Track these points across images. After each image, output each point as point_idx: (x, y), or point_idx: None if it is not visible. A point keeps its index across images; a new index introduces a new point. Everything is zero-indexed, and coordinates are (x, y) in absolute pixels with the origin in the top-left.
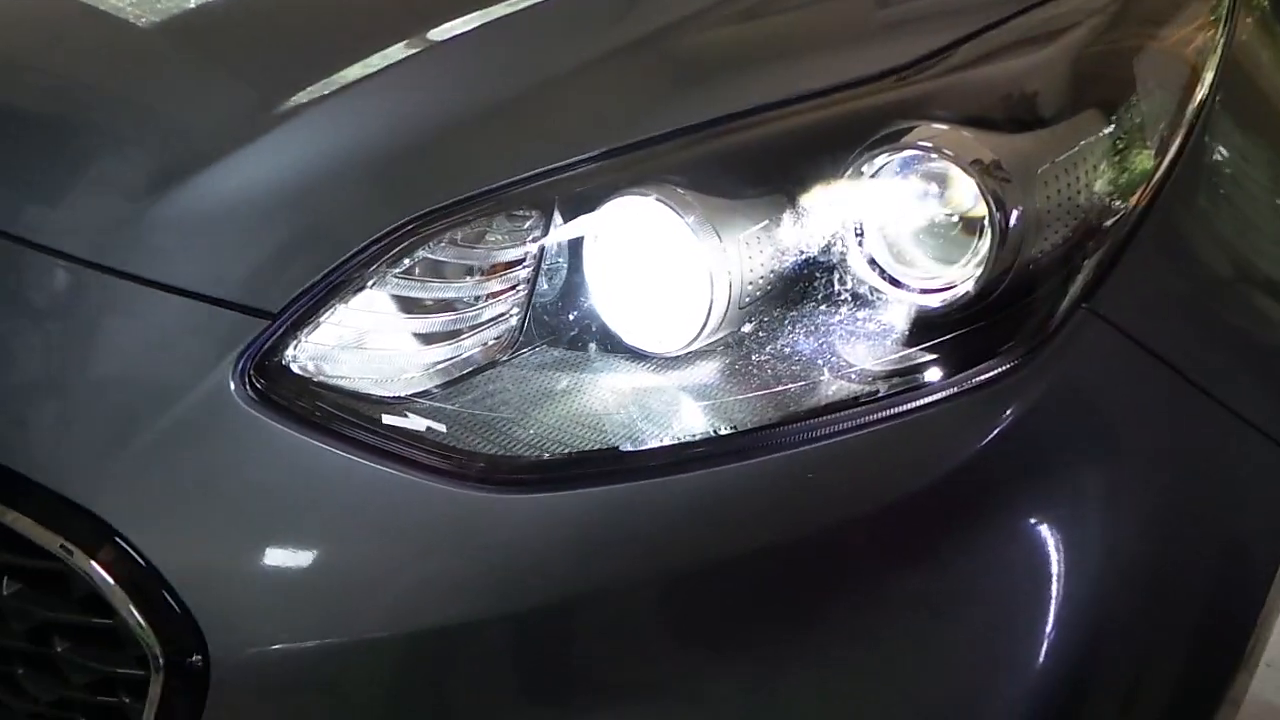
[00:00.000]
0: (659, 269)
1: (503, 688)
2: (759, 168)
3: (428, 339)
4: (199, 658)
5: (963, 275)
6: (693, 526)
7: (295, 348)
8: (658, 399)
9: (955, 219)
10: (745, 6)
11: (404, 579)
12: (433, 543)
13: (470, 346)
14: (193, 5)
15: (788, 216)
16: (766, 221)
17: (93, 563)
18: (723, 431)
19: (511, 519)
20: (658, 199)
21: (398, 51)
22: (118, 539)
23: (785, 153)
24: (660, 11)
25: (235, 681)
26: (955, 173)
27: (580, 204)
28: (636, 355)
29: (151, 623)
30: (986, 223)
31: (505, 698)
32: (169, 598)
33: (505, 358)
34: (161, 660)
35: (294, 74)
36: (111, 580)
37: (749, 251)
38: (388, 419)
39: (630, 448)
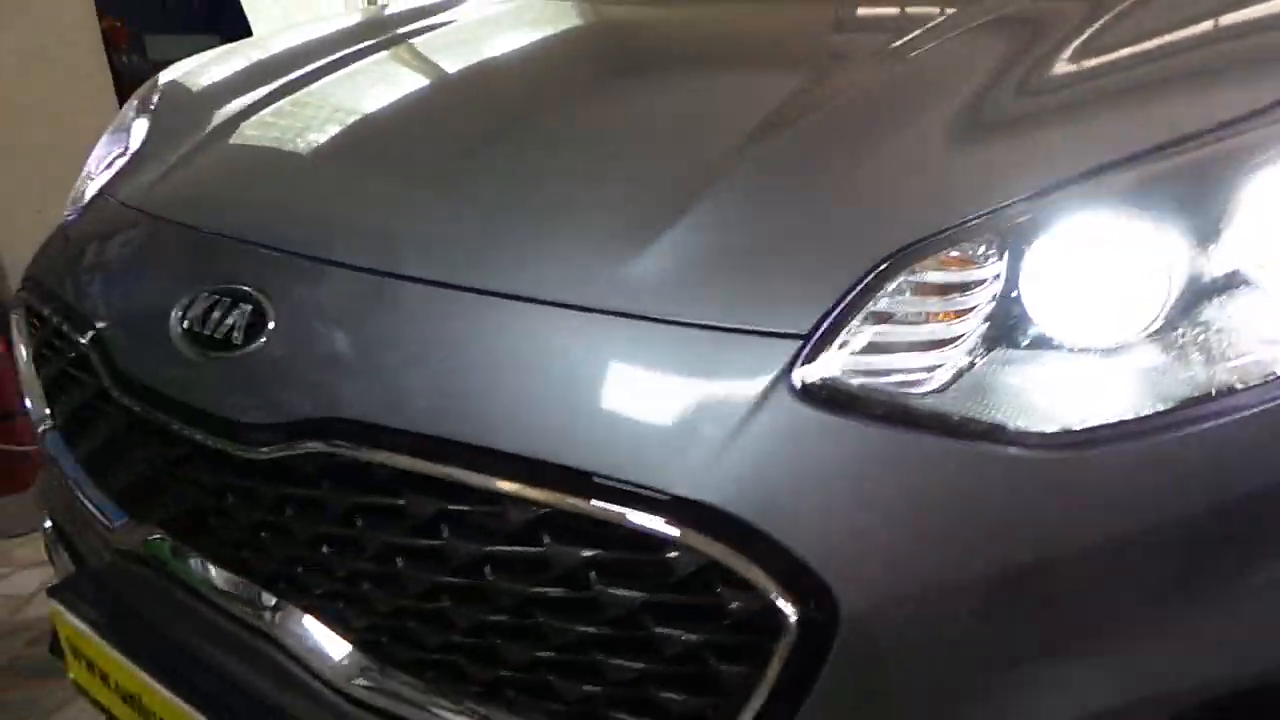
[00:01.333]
0: (1106, 273)
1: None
2: (1191, 186)
3: (924, 345)
4: (827, 617)
5: None
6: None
7: (828, 357)
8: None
9: None
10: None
11: (972, 530)
12: (993, 497)
13: (957, 348)
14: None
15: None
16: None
17: (717, 544)
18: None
19: (1047, 476)
20: (1113, 215)
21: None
22: (739, 522)
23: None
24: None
25: (855, 637)
26: None
27: (1034, 226)
28: (1081, 349)
29: (785, 588)
30: None
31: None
32: (800, 565)
33: (980, 360)
34: (795, 619)
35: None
36: (741, 555)
37: (1192, 255)
38: (920, 405)
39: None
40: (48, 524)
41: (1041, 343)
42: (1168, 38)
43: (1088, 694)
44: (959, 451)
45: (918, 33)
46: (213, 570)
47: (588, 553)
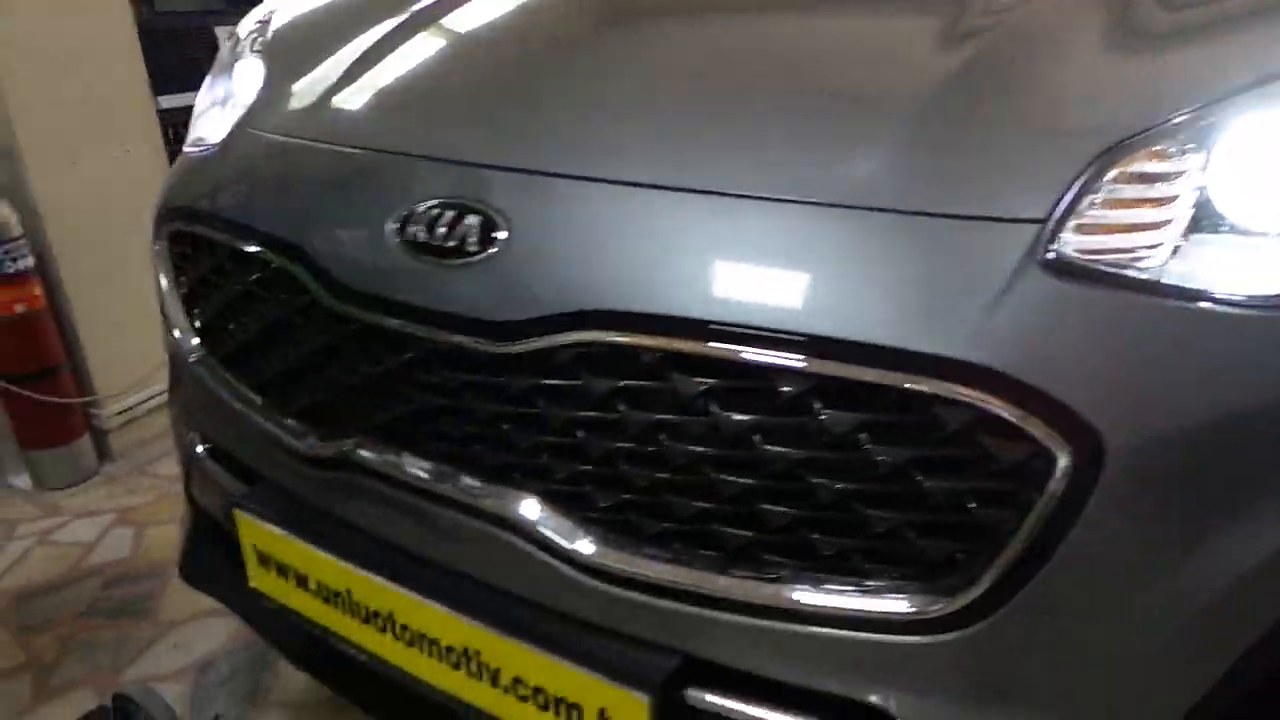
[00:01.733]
0: None
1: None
2: None
3: (1141, 226)
4: (1093, 458)
5: None
6: None
7: (1065, 236)
8: None
9: None
10: None
11: (1201, 377)
12: (1212, 348)
13: (1169, 230)
14: None
15: None
16: None
17: (995, 398)
18: None
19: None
20: None
21: None
22: (1012, 379)
23: None
24: None
25: (1117, 474)
26: None
27: (1220, 127)
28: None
29: (1059, 433)
30: None
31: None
32: (1070, 413)
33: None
34: (1067, 462)
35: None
36: (1018, 408)
37: None
38: (1145, 275)
39: None
40: (199, 448)
41: (1235, 226)
42: None
43: None
44: (1180, 311)
45: None
46: (428, 466)
47: (862, 416)
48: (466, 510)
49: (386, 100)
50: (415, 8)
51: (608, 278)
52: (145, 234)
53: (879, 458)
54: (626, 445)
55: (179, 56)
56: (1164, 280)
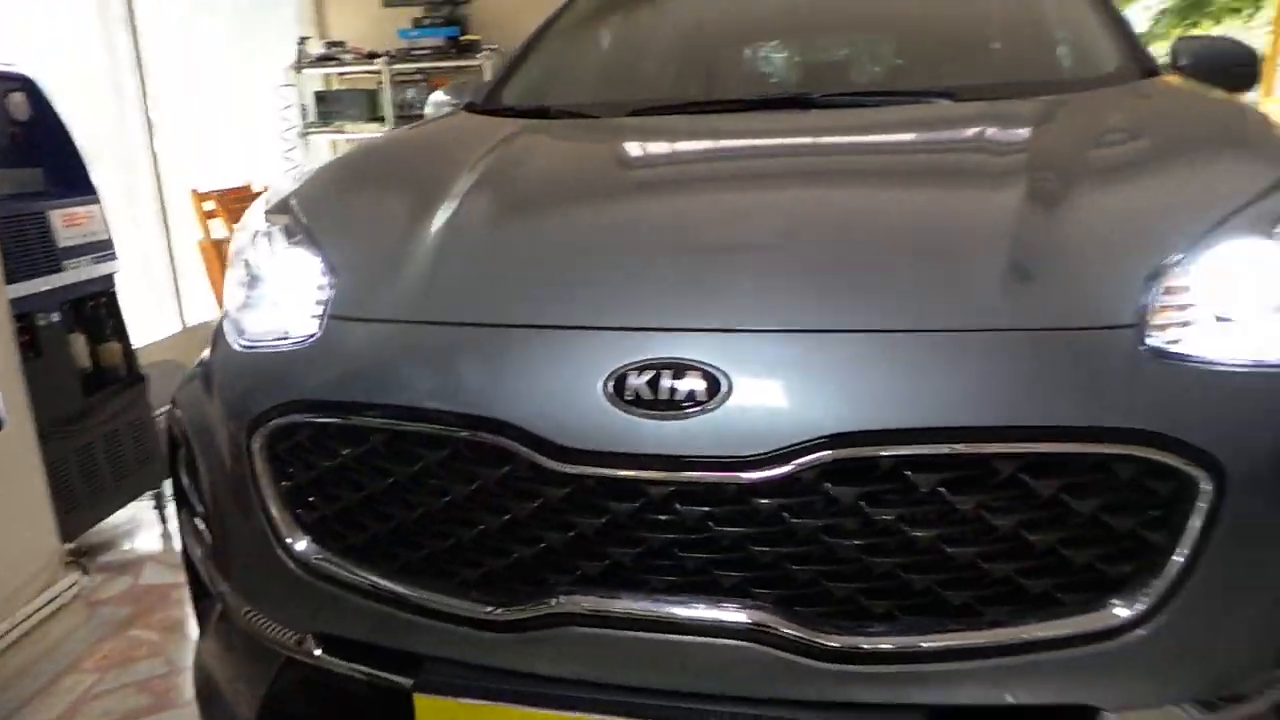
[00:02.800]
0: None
1: None
2: None
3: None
4: (1221, 484)
5: None
6: None
7: (1150, 337)
8: None
9: None
10: None
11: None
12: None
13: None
14: None
15: None
16: None
17: (1150, 449)
18: None
19: None
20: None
21: None
22: (1158, 434)
23: None
24: None
25: (1235, 497)
26: None
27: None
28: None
29: (1198, 469)
30: None
31: None
32: (1203, 452)
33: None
34: (1207, 481)
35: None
36: (1168, 453)
37: None
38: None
39: None
40: (318, 650)
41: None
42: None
43: None
44: (1230, 374)
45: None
46: (658, 600)
47: (1061, 481)
48: (704, 631)
49: (515, 274)
50: (474, 174)
51: (837, 406)
52: None
53: (1075, 508)
54: (868, 541)
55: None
56: (1194, 353)
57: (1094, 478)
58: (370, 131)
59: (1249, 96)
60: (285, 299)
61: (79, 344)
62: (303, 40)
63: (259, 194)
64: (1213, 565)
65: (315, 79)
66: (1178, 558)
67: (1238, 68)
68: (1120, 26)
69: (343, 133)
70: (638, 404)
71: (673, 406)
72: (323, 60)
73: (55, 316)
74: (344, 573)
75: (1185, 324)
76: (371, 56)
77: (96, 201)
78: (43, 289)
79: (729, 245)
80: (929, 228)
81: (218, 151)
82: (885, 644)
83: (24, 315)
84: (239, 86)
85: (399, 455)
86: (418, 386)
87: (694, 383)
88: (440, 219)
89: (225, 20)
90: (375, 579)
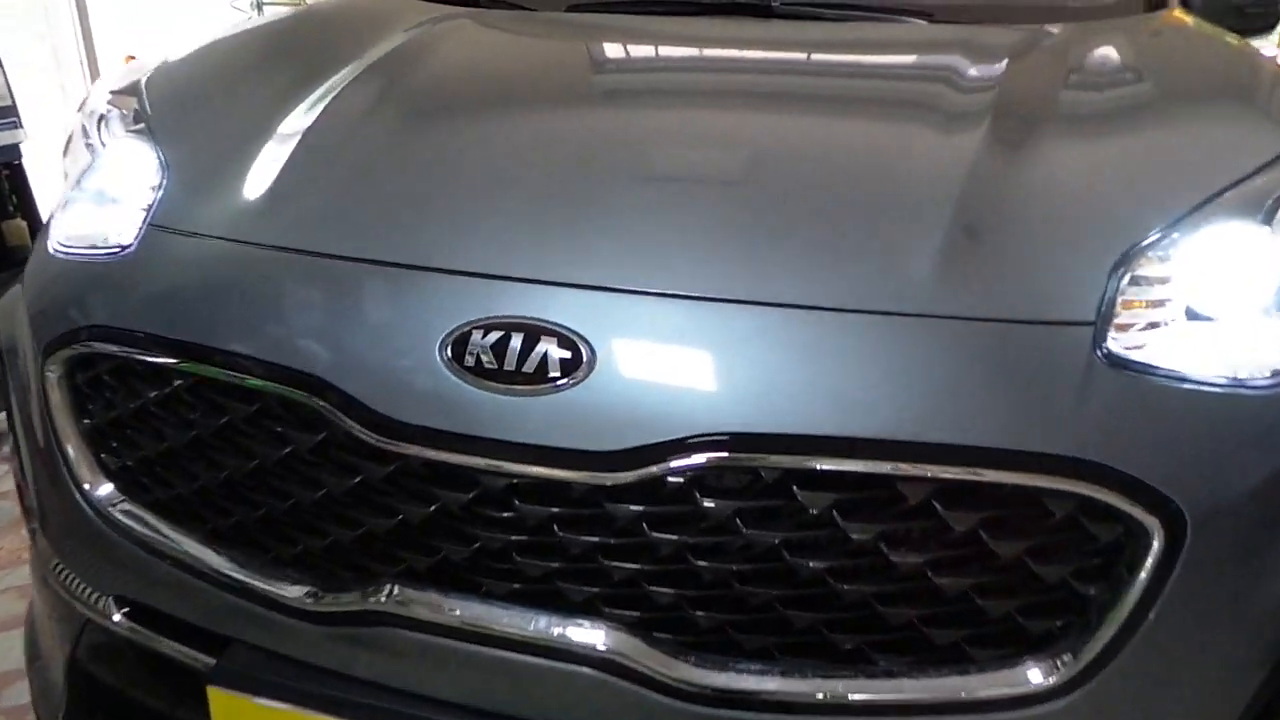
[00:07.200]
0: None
1: None
2: None
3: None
4: (1179, 531)
5: None
6: None
7: (1111, 340)
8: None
9: None
10: None
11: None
12: (1239, 426)
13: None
14: None
15: None
16: None
17: (1094, 486)
18: None
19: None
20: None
21: None
22: (1105, 467)
23: None
24: None
25: (1197, 542)
26: None
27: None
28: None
29: (1149, 511)
30: None
31: None
32: (1157, 493)
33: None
34: (1159, 536)
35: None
36: (1114, 492)
37: None
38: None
39: None
40: (116, 615)
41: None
42: None
43: None
44: (1202, 394)
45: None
46: (492, 609)
47: (981, 514)
48: (544, 651)
49: (375, 198)
50: (361, 66)
51: (721, 399)
52: None
53: (995, 549)
54: (742, 566)
55: None
56: (1159, 364)
57: (1021, 513)
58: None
59: (1266, 46)
60: (108, 200)
61: None
62: None
63: None
64: (1157, 631)
65: None
66: (1114, 618)
67: (1254, 7)
68: None
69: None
70: (478, 371)
71: (520, 378)
72: None
73: None
74: (146, 530)
75: (1154, 325)
76: None
77: None
78: None
79: (622, 179)
80: (864, 177)
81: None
82: (756, 686)
83: None
84: None
85: (204, 404)
86: (224, 323)
87: (550, 349)
88: (301, 116)
89: None
90: (180, 541)
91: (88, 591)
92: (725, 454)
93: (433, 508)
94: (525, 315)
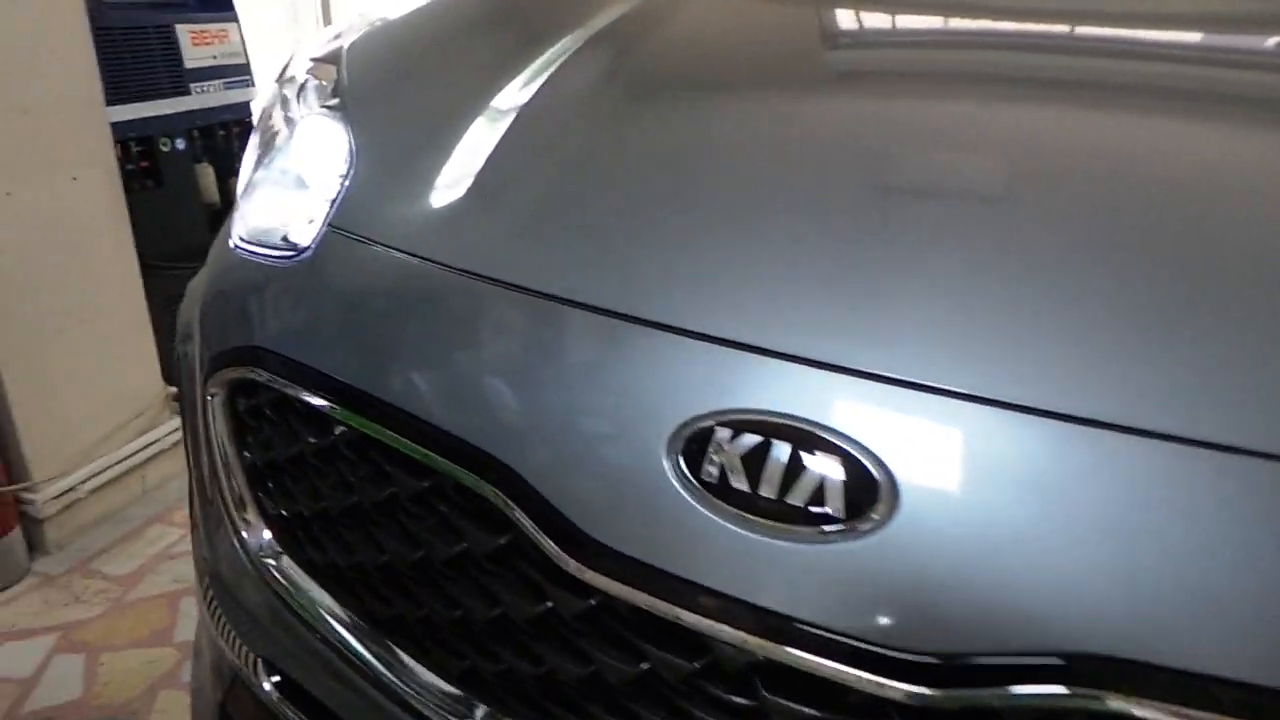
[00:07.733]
0: None
1: None
2: None
3: None
4: None
5: None
6: None
7: None
8: None
9: None
10: None
11: None
12: None
13: None
14: None
15: None
16: None
17: None
18: None
19: None
20: None
21: None
22: None
23: None
24: None
25: None
26: None
27: None
28: None
29: None
30: None
31: None
32: None
33: None
34: None
35: None
36: None
37: None
38: None
39: None
40: (267, 685)
41: None
42: None
43: None
44: None
45: None
46: None
47: None
48: None
49: (603, 214)
50: (596, 23)
51: (1118, 599)
52: (93, 281)
53: None
54: None
55: (133, 59)
56: None
57: None
58: None
59: None
60: (291, 189)
61: (207, 176)
62: None
63: None
64: None
65: None
66: None
67: None
68: None
69: None
70: (719, 490)
71: (779, 511)
72: None
73: (180, 144)
74: (298, 595)
75: None
76: None
77: (234, 20)
78: (166, 112)
79: (956, 213)
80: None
81: None
82: None
83: (145, 139)
84: None
85: (366, 466)
86: (393, 368)
87: (829, 472)
88: (514, 93)
89: None
90: (331, 620)
91: (239, 644)
92: (1122, 696)
93: (641, 667)
94: (795, 415)
